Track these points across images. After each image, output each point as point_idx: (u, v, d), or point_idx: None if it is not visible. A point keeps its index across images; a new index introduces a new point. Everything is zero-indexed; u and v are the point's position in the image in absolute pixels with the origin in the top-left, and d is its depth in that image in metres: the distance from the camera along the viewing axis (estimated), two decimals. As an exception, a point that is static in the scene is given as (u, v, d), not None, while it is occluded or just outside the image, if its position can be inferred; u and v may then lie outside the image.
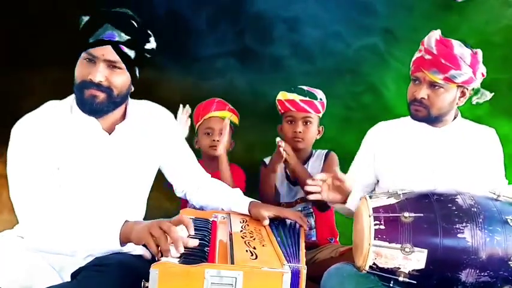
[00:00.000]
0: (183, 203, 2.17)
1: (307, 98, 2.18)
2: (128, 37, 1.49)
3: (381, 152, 1.89)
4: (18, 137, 1.47)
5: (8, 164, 1.47)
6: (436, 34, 1.75)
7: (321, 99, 2.22)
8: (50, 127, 1.50)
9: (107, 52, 1.48)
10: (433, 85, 1.74)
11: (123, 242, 1.37)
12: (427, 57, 1.72)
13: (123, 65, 1.51)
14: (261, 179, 2.29)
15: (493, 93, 1.81)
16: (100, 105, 1.51)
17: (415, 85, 1.78)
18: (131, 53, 1.51)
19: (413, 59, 1.80)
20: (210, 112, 2.27)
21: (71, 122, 1.54)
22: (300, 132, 2.20)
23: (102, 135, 1.57)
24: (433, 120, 1.79)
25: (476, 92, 1.80)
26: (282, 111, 2.25)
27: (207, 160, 2.24)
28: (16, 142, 1.47)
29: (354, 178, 1.90)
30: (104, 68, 1.49)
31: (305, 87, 2.22)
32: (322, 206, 2.18)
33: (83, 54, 1.49)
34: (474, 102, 1.82)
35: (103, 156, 1.56)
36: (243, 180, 2.29)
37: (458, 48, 1.72)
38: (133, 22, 1.53)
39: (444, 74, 1.70)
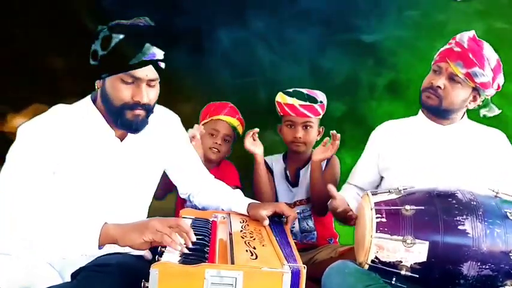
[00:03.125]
0: (179, 202, 2.19)
1: (307, 103, 2.15)
2: (163, 52, 1.50)
3: (386, 150, 1.91)
4: (22, 141, 1.45)
5: (5, 165, 1.44)
6: (470, 33, 1.79)
7: (321, 101, 2.18)
8: (56, 130, 1.48)
9: (149, 72, 1.48)
10: (452, 78, 1.76)
11: (101, 244, 1.34)
12: (456, 49, 1.75)
13: (157, 80, 1.52)
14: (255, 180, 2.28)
15: (500, 110, 1.83)
16: (142, 122, 1.53)
17: (435, 74, 1.80)
18: (163, 66, 1.52)
19: (440, 50, 1.83)
20: (221, 115, 2.22)
21: (82, 127, 1.53)
22: (299, 137, 2.18)
23: (115, 142, 1.57)
24: (441, 112, 1.81)
25: (485, 104, 1.83)
26: (281, 113, 2.22)
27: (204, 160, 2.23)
28: (19, 145, 1.45)
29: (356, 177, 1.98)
30: (146, 87, 1.50)
31: (305, 91, 2.18)
32: (320, 211, 2.19)
33: (122, 75, 1.46)
34: (482, 115, 1.85)
35: (114, 163, 1.57)
36: (237, 177, 2.28)
37: (488, 49, 1.77)
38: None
39: (467, 69, 1.73)
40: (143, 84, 1.49)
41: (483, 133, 1.85)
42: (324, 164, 2.23)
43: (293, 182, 2.25)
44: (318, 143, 2.28)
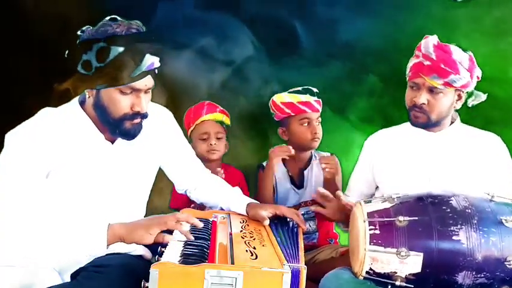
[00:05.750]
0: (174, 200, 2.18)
1: (317, 98, 2.15)
2: (158, 58, 1.51)
3: (379, 160, 1.89)
4: (12, 146, 1.44)
5: None
6: (433, 39, 1.74)
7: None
8: (46, 135, 1.47)
9: (148, 82, 1.50)
10: (432, 90, 1.73)
11: (109, 244, 1.36)
12: (426, 63, 1.71)
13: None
14: (259, 183, 2.27)
15: (486, 94, 1.81)
16: (139, 129, 1.55)
17: (413, 91, 1.76)
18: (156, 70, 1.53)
19: (410, 64, 1.78)
20: (202, 116, 2.19)
21: (71, 131, 1.52)
22: (318, 133, 2.15)
23: (106, 145, 1.57)
24: (432, 125, 1.79)
25: (470, 94, 1.80)
26: (292, 114, 2.15)
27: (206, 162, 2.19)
28: (9, 152, 1.44)
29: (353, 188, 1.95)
30: (144, 96, 1.51)
31: (312, 88, 2.17)
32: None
33: (121, 87, 1.46)
34: (470, 105, 1.82)
35: (106, 166, 1.57)
36: (244, 183, 2.27)
37: (457, 53, 1.73)
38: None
39: (444, 79, 1.70)
40: (142, 94, 1.50)
41: (477, 137, 1.82)
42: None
43: (298, 183, 2.24)
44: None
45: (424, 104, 1.73)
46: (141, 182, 1.69)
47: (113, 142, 1.58)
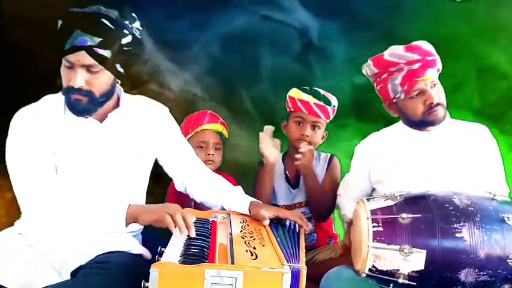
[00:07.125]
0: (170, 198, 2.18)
1: (321, 103, 2.11)
2: (100, 39, 1.51)
3: (377, 162, 1.89)
4: (17, 128, 1.54)
5: (8, 155, 1.53)
6: (398, 47, 1.76)
7: (334, 106, 2.15)
8: (46, 118, 1.57)
9: (82, 57, 1.51)
10: (433, 85, 1.75)
11: (127, 223, 1.47)
12: (417, 65, 1.72)
13: (100, 67, 1.54)
14: (258, 179, 2.27)
15: None
16: (85, 107, 1.57)
17: (421, 96, 1.75)
18: (107, 53, 1.53)
19: (399, 81, 1.76)
20: (203, 125, 2.19)
21: (66, 113, 1.61)
22: (307, 136, 2.14)
23: (94, 123, 1.62)
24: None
25: None
26: (292, 109, 2.18)
27: None
28: (15, 133, 1.54)
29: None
30: (83, 72, 1.53)
31: (321, 91, 2.15)
32: (321, 217, 2.19)
33: (63, 60, 1.53)
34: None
35: (95, 144, 1.62)
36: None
37: (423, 43, 1.77)
38: (105, 21, 1.52)
39: (435, 67, 1.74)
40: (77, 69, 1.52)
41: (466, 130, 1.82)
42: (325, 166, 2.22)
43: (293, 183, 2.24)
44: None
45: (439, 99, 1.74)
46: (132, 165, 1.71)
47: (101, 121, 1.64)
